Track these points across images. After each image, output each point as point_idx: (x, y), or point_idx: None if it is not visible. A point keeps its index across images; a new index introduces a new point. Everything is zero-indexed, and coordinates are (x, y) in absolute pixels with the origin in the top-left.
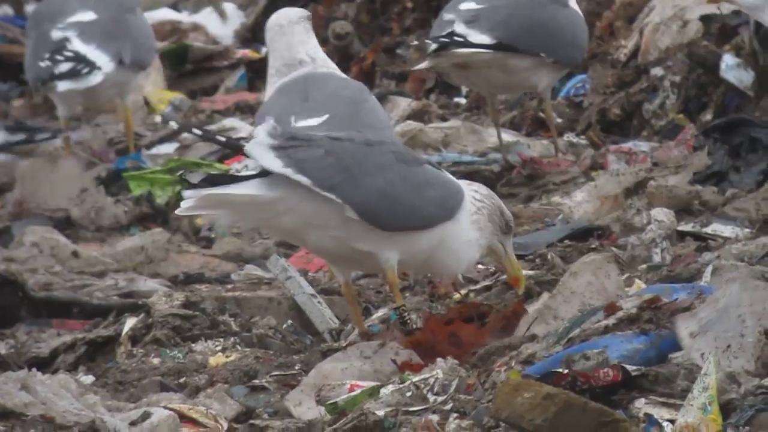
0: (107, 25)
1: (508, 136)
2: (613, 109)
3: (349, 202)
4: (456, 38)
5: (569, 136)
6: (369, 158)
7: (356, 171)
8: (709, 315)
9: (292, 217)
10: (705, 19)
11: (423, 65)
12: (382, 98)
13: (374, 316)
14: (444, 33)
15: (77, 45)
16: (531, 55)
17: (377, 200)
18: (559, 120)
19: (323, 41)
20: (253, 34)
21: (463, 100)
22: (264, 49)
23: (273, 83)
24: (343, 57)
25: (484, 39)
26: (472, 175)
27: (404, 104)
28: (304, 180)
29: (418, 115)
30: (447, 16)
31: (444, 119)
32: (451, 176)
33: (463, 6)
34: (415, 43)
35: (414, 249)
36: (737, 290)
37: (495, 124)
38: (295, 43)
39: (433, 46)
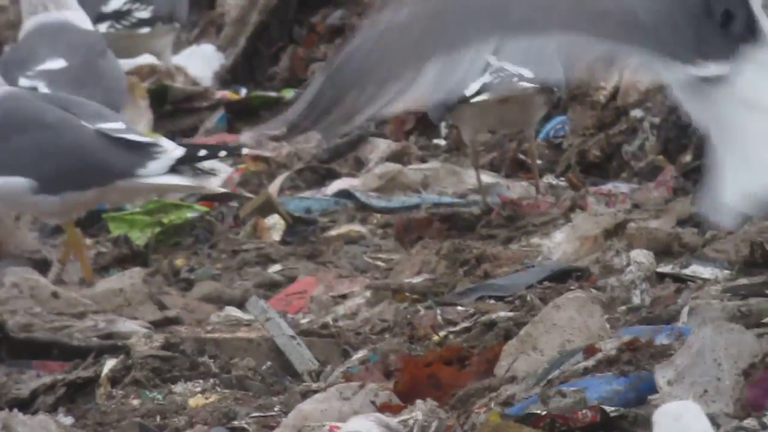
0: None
1: (487, 178)
2: (592, 151)
3: None
4: (510, 72)
5: (549, 178)
6: None
7: None
8: (685, 361)
9: None
10: None
11: (480, 98)
12: (362, 139)
13: (354, 358)
14: (494, 69)
15: None
16: (549, 89)
17: None
18: (539, 162)
19: (303, 82)
20: (232, 76)
21: (442, 142)
22: (244, 91)
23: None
24: None
25: (528, 74)
26: (451, 217)
27: (384, 145)
28: None
29: (397, 157)
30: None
31: (424, 161)
32: None
33: None
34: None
35: None
36: (711, 334)
37: (475, 168)
38: None
39: (484, 80)
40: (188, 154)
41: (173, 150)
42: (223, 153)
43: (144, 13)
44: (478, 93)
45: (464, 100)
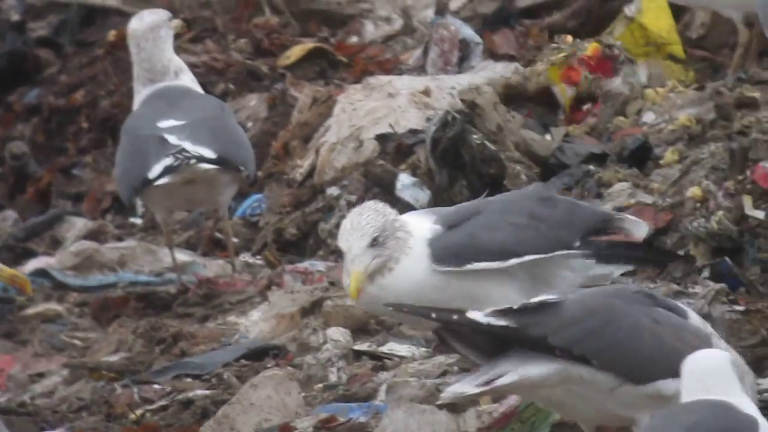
0: None
1: (184, 256)
2: (289, 229)
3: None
4: (191, 154)
5: (245, 256)
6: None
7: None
8: None
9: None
10: (381, 138)
11: (163, 181)
12: (58, 218)
13: None
14: (175, 150)
15: None
16: (234, 169)
17: None
18: (235, 240)
19: (0, 161)
20: None
21: (139, 220)
22: None
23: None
24: (19, 177)
25: (211, 154)
26: (148, 295)
27: (80, 224)
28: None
29: (94, 235)
30: (147, 132)
31: (120, 239)
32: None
33: (164, 124)
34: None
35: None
36: (403, 416)
37: (169, 247)
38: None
39: (164, 163)
40: None
41: None
42: None
43: None
44: (160, 175)
45: (148, 183)
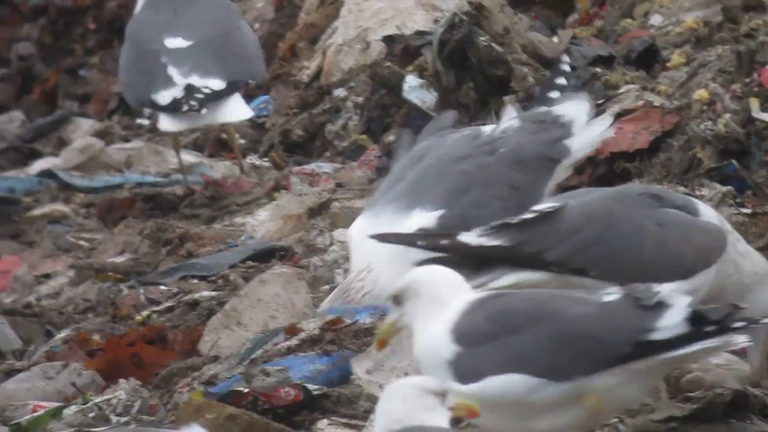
0: None
1: (190, 158)
2: (295, 130)
3: None
4: (203, 94)
5: (252, 158)
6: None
7: None
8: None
9: None
10: (388, 40)
11: (170, 128)
12: (65, 119)
13: (57, 337)
14: (181, 92)
15: None
16: (245, 83)
17: None
18: (242, 141)
19: (6, 63)
20: None
21: (146, 122)
22: None
23: None
24: (26, 78)
25: (220, 84)
26: (154, 196)
27: (87, 125)
28: None
29: (101, 136)
30: (153, 48)
31: (127, 140)
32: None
33: (171, 44)
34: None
35: None
36: None
37: (175, 150)
38: None
39: (174, 93)
40: None
41: None
42: None
43: None
44: (167, 108)
45: (156, 108)
